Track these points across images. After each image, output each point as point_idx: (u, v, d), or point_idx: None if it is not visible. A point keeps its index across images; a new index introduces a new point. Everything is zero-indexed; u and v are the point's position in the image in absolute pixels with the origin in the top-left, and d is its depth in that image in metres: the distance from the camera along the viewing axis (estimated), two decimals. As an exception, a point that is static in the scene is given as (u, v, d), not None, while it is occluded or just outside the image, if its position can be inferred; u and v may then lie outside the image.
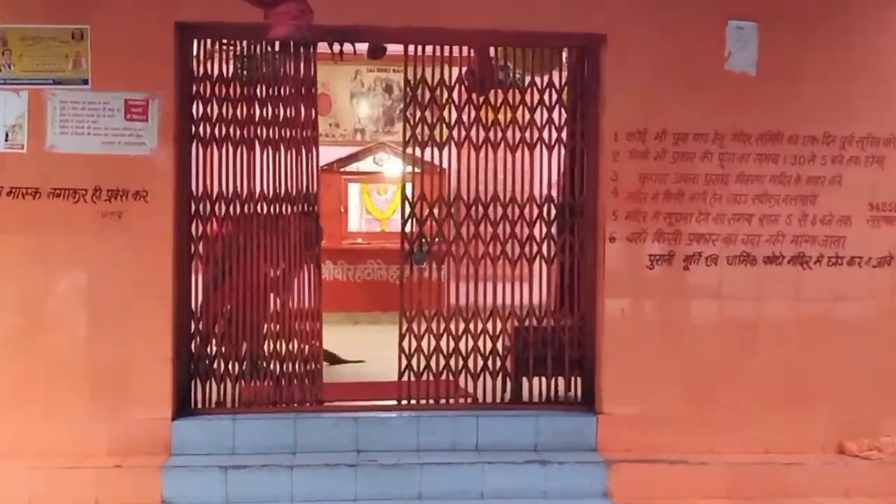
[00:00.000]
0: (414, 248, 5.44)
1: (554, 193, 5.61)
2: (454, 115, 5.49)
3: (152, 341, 5.16)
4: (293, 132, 5.42)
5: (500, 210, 5.52)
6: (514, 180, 5.53)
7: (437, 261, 5.53)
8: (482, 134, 5.52)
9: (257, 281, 5.43)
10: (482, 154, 5.51)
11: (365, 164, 10.76)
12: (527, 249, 5.57)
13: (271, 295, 5.41)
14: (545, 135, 5.52)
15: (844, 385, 5.36)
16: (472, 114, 5.50)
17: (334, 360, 6.91)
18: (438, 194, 5.53)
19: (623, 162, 5.39)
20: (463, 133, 5.51)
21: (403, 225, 5.54)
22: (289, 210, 5.40)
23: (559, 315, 5.62)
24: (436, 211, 5.52)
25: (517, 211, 5.52)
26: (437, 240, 5.54)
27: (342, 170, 10.63)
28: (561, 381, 5.63)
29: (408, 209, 5.55)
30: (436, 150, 5.52)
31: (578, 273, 5.56)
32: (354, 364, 6.93)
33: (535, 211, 5.54)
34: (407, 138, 5.50)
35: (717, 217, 5.45)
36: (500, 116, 5.55)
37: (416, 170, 5.55)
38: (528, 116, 5.54)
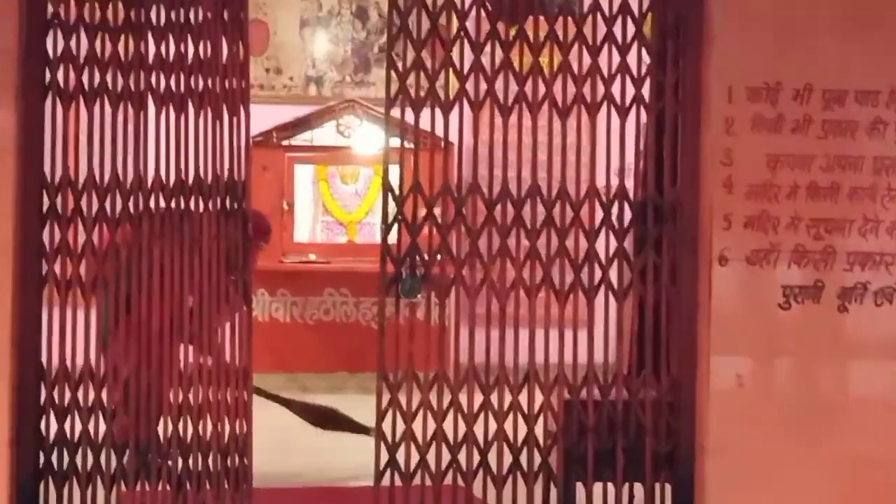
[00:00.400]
0: (402, 270, 5.49)
1: (629, 185, 5.64)
2: (469, 56, 5.54)
3: (-23, 418, 5.12)
4: (208, 82, 5.48)
5: (541, 210, 5.55)
6: (565, 163, 5.56)
7: (440, 292, 5.58)
8: (514, 88, 5.55)
9: (148, 322, 5.45)
10: (513, 120, 5.55)
11: (323, 135, 10.83)
12: (584, 275, 5.58)
13: (171, 346, 5.46)
14: (615, 90, 5.55)
15: None
16: (498, 55, 5.53)
17: (335, 421, 6.93)
18: (443, 184, 5.56)
19: (741, 135, 5.39)
20: (483, 86, 5.54)
21: (385, 233, 5.59)
22: (200, 207, 5.49)
23: (636, 382, 5.60)
24: (437, 211, 5.58)
25: (569, 212, 5.55)
26: (438, 258, 5.59)
27: (286, 143, 10.65)
28: (639, 489, 5.60)
29: (392, 208, 5.60)
30: (439, 114, 5.56)
31: (668, 315, 5.55)
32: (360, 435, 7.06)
33: (599, 213, 5.56)
34: (393, 94, 5.54)
35: (893, 226, 5.45)
36: (544, 60, 5.59)
37: (407, 144, 5.58)
38: (587, 61, 5.57)
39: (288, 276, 10.29)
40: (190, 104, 5.44)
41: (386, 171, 5.65)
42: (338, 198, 10.65)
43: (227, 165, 5.51)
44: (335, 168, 10.70)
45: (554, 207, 5.56)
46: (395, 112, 5.61)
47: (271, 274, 9.95)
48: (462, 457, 5.56)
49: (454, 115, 5.57)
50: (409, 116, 5.59)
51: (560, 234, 5.56)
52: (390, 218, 5.59)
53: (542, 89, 5.54)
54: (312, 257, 10.81)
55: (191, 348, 5.55)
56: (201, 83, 5.43)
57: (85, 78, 5.39)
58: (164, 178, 5.44)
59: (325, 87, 10.70)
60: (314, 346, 9.91)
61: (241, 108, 5.50)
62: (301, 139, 10.67)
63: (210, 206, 5.49)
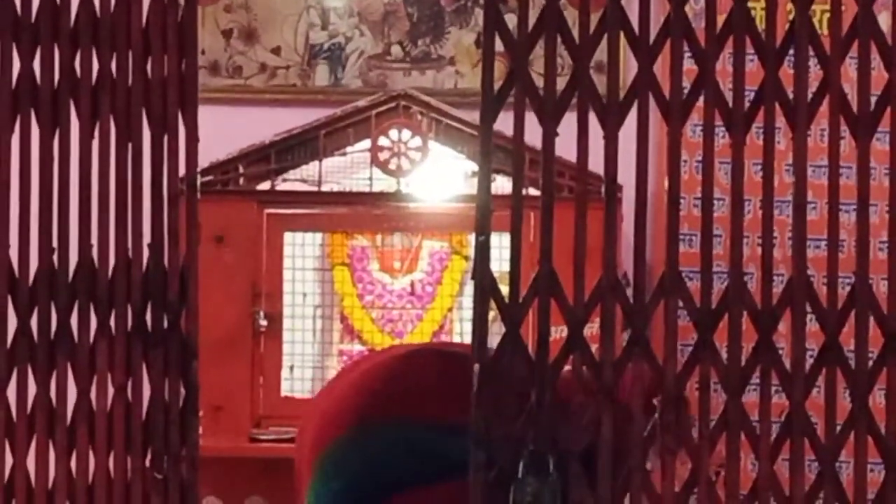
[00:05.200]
0: (520, 465, 3.91)
1: None
2: (657, 9, 4.19)
3: None
4: (105, 64, 3.97)
5: (812, 327, 3.96)
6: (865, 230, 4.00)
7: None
8: (754, 70, 4.08)
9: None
10: (754, 139, 4.05)
11: (343, 169, 7.67)
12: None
13: None
14: None
15: None
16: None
17: None
18: (604, 271, 4.11)
19: None
20: (688, 66, 4.11)
21: (480, 384, 4.06)
22: (91, 325, 3.99)
23: None
24: (590, 331, 4.08)
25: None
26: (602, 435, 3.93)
27: (263, 186, 7.43)
28: None
29: (494, 324, 4.06)
30: (591, 129, 4.05)
31: None
32: None
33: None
34: (498, 85, 4.11)
35: None
36: (816, 14, 4.09)
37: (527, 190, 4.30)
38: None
39: (267, 469, 7.39)
40: (71, 111, 3.93)
41: (481, 248, 3.98)
42: (374, 302, 7.56)
43: (144, 238, 3.99)
44: (368, 240, 7.49)
45: (839, 321, 3.86)
46: (502, 123, 4.04)
47: (234, 464, 7.19)
48: None
49: (627, 128, 3.98)
50: (532, 131, 4.01)
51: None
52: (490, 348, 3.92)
53: (814, 74, 3.94)
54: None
55: None
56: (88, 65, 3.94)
57: None
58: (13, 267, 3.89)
59: (347, 68, 7.78)
60: None
61: (178, 116, 3.96)
62: (296, 179, 7.51)
63: (110, 322, 3.92)
